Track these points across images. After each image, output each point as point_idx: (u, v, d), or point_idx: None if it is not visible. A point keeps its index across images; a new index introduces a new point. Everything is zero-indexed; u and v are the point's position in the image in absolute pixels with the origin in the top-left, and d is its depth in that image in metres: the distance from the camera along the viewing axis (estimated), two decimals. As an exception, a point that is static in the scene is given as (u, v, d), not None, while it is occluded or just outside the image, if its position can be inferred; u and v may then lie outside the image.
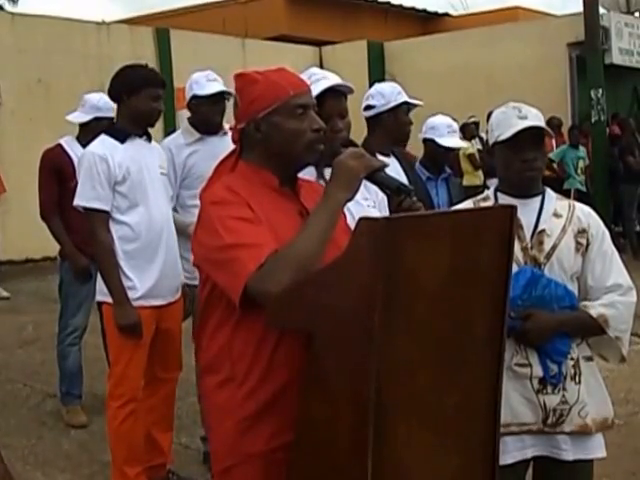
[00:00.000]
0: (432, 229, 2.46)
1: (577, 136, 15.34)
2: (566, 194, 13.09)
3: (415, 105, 5.22)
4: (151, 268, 4.82)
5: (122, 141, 4.83)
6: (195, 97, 5.41)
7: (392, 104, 5.05)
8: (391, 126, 5.06)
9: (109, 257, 4.76)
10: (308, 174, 3.08)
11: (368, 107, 5.12)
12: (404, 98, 5.08)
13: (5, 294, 11.17)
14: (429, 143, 5.97)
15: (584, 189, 15.34)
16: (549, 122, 15.09)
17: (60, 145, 6.47)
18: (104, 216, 4.77)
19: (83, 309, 6.34)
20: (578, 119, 17.30)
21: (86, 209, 4.81)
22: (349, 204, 2.68)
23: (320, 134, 2.77)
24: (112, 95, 4.97)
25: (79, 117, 6.36)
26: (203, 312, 2.84)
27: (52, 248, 6.60)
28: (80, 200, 4.81)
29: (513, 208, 2.65)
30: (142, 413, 4.97)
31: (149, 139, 5.00)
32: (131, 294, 4.76)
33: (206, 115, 5.41)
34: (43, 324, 8.94)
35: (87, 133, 6.03)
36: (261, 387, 2.70)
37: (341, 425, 2.44)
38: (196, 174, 5.23)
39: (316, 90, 3.12)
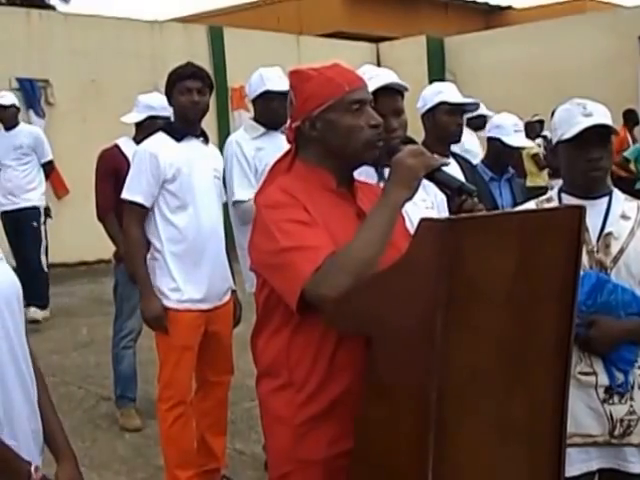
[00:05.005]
0: (497, 230, 2.40)
1: None
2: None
3: (471, 105, 5.09)
4: (198, 271, 4.86)
5: (178, 140, 4.90)
6: (268, 92, 5.39)
7: (428, 105, 4.97)
8: (431, 127, 4.99)
9: (137, 250, 4.86)
10: (367, 176, 3.00)
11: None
12: (442, 98, 4.94)
13: (40, 316, 9.59)
14: (494, 142, 5.80)
15: None
16: (625, 115, 14.73)
17: (117, 146, 6.49)
18: (141, 211, 4.86)
19: (138, 312, 6.29)
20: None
21: (128, 202, 4.87)
22: (406, 205, 2.59)
23: (379, 130, 2.69)
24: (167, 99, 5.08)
25: (133, 117, 6.38)
26: (261, 317, 2.80)
27: (106, 250, 6.59)
28: (126, 193, 4.89)
29: (582, 208, 2.57)
30: (195, 417, 4.99)
31: (206, 141, 5.04)
32: (176, 296, 4.81)
33: (277, 111, 5.33)
34: (97, 327, 9.00)
35: (141, 133, 6.02)
36: (320, 393, 2.65)
37: (402, 430, 2.40)
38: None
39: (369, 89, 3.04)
